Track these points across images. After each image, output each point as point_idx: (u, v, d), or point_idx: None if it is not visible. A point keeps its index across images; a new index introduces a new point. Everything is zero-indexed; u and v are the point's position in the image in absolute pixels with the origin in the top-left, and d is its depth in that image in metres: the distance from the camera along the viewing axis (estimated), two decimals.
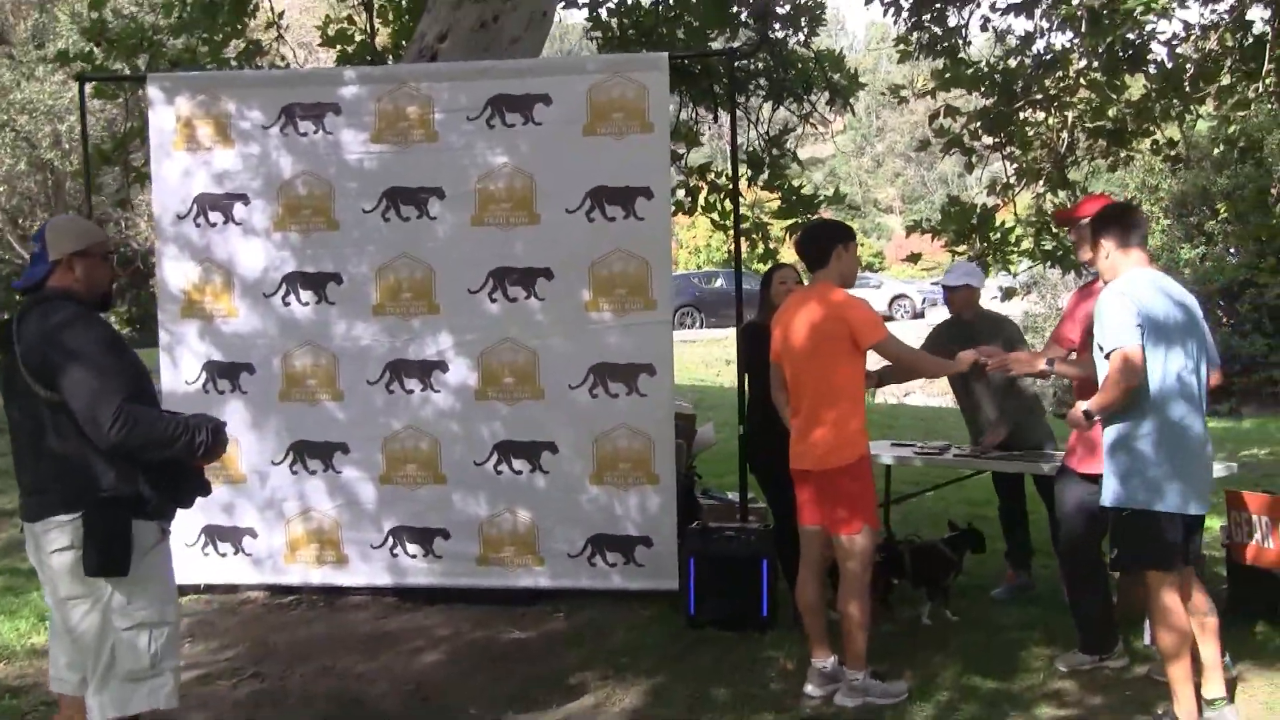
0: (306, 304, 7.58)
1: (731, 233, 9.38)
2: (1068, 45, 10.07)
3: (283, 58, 11.74)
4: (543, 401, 7.43)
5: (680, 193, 11.27)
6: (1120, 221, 5.35)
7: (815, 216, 10.48)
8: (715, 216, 11.23)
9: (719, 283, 33.68)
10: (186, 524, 7.60)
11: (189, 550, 7.67)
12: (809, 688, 5.78)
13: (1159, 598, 5.09)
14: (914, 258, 11.59)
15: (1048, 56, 10.10)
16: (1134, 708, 5.48)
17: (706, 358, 28.50)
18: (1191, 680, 5.12)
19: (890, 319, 32.39)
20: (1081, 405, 5.25)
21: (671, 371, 7.43)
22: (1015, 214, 10.80)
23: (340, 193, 7.51)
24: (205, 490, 4.40)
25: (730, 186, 10.68)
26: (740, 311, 7.61)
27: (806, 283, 6.33)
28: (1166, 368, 5.04)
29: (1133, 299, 5.04)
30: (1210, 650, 5.22)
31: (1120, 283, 5.15)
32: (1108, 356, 5.05)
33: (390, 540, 7.61)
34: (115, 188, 12.30)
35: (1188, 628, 5.12)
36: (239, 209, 7.60)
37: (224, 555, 7.72)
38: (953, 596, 7.10)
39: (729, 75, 8.69)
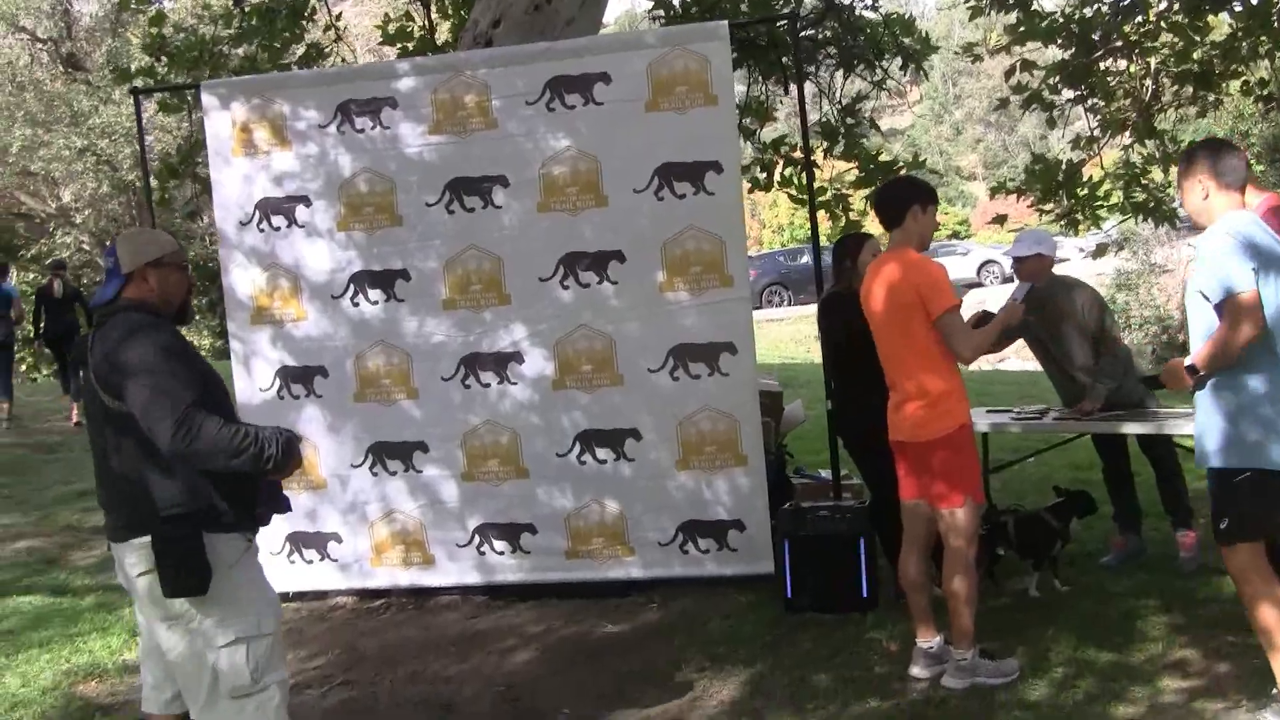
0: (375, 303, 7.44)
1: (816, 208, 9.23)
2: None
3: (343, 59, 11.62)
4: (622, 387, 7.23)
5: (756, 169, 11.04)
6: (1216, 156, 4.88)
7: None
8: (793, 191, 10.95)
9: (805, 259, 33.36)
10: (271, 532, 7.45)
11: (275, 559, 7.58)
12: (915, 669, 5.54)
13: (1259, 572, 4.73)
14: (1000, 220, 11.22)
15: (1126, 1, 9.71)
16: (1262, 680, 5.07)
17: (795, 335, 28.30)
18: None
19: (980, 285, 32.05)
20: (1181, 360, 4.85)
21: (753, 349, 7.19)
22: (1102, 167, 10.42)
23: (402, 188, 7.36)
24: (284, 507, 4.21)
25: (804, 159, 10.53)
26: (820, 285, 7.36)
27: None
28: (1277, 314, 4.62)
29: (1244, 239, 4.61)
30: None
31: (1226, 223, 4.72)
32: (1218, 306, 4.61)
33: (476, 538, 7.46)
34: (185, 200, 12.29)
35: None
36: (301, 211, 7.48)
37: (310, 562, 7.62)
38: (1062, 566, 6.80)
39: (793, 40, 8.38)
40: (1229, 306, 4.56)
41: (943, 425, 5.33)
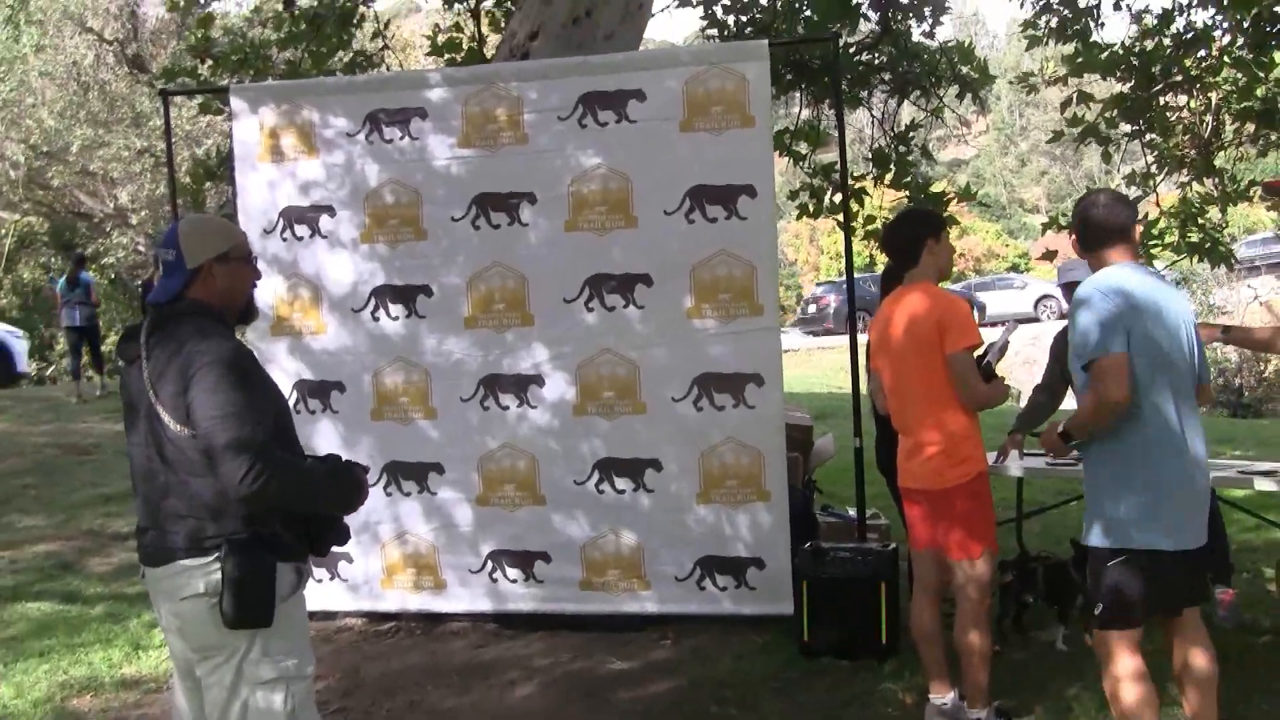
0: (396, 318, 7.26)
1: (865, 238, 8.97)
2: (1210, 21, 9.37)
3: (389, 69, 11.49)
4: (645, 416, 7.00)
5: (805, 195, 10.82)
6: (1083, 212, 4.55)
7: (946, 215, 9.95)
8: (840, 218, 10.71)
9: (873, 288, 32.99)
10: None
11: None
12: None
13: (1119, 663, 4.36)
14: (1049, 255, 10.93)
15: (1188, 35, 9.41)
16: None
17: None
18: None
19: (1035, 320, 31.63)
20: (1058, 425, 4.52)
21: (781, 381, 6.94)
22: (1159, 205, 10.10)
23: (428, 200, 7.18)
24: (344, 537, 3.86)
25: (855, 187, 10.31)
26: (853, 314, 7.11)
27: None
28: (1155, 378, 4.27)
29: (1115, 296, 4.26)
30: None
31: (1096, 279, 4.37)
32: (1085, 368, 4.29)
33: (489, 564, 7.25)
34: (220, 203, 12.26)
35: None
36: (325, 221, 7.31)
37: (319, 581, 7.41)
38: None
39: (834, 63, 8.11)
40: (1096, 370, 4.23)
41: (963, 471, 5.07)
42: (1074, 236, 4.58)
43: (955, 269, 45.60)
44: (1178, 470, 4.29)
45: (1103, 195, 4.60)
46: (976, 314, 34.42)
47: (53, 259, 35.31)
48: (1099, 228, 4.48)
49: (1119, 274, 4.36)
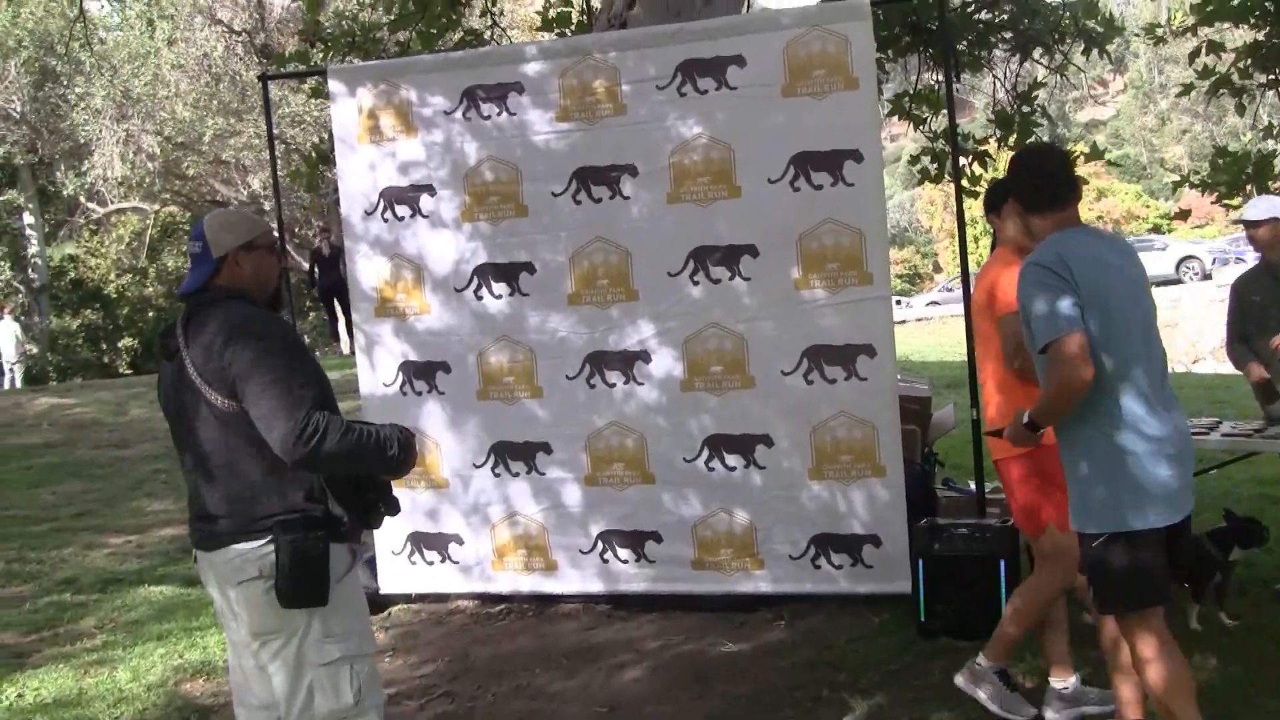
0: (499, 296, 7.14)
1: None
2: None
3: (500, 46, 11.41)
4: (753, 390, 6.80)
5: (926, 159, 10.55)
6: (1020, 177, 4.27)
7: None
8: (964, 184, 10.40)
9: None
10: (393, 531, 7.31)
11: (396, 559, 7.39)
12: (1048, 713, 5.00)
13: (1143, 645, 4.00)
14: (1183, 215, 10.50)
15: None
16: None
17: None
18: None
19: (1178, 281, 30.63)
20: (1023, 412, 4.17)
21: (893, 352, 6.69)
22: None
23: (528, 176, 7.04)
24: (394, 508, 3.87)
25: (978, 150, 10.01)
26: (966, 279, 6.82)
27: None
28: (1117, 349, 3.94)
29: (1060, 271, 3.92)
30: None
31: (1039, 251, 4.04)
32: (1043, 352, 3.93)
33: (599, 545, 7.13)
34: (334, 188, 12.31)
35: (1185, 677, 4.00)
36: (426, 201, 7.22)
37: (431, 564, 7.38)
38: (1230, 597, 6.15)
39: (941, 18, 7.78)
40: (1054, 352, 3.88)
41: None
42: (1016, 205, 4.35)
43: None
44: (1119, 447, 3.96)
45: (1027, 154, 4.49)
46: None
47: None
48: (1055, 190, 4.16)
49: (1060, 242, 4.05)
